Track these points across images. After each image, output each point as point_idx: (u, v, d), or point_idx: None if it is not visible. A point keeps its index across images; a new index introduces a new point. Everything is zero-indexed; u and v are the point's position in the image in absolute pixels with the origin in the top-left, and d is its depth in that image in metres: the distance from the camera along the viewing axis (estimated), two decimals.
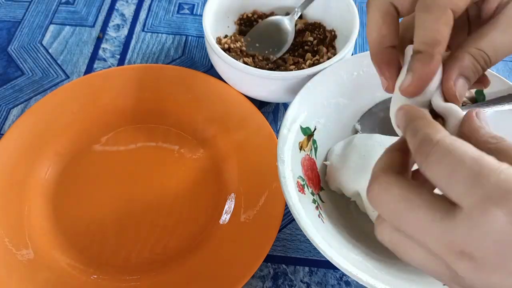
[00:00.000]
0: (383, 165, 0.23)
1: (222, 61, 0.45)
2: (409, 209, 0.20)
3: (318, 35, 0.52)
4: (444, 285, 0.34)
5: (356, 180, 0.39)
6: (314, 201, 0.39)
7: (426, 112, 0.23)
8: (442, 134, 0.20)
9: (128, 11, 0.61)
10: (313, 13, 0.54)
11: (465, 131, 0.23)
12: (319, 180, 0.42)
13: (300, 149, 0.40)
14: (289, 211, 0.35)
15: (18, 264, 0.40)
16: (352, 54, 0.47)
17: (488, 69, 0.26)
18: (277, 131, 0.49)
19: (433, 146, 0.19)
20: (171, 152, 0.48)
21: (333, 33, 0.52)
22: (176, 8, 0.61)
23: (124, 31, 0.58)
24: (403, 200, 0.20)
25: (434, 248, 0.19)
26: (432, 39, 0.24)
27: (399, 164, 0.23)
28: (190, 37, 0.58)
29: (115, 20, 0.59)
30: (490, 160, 0.18)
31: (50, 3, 0.61)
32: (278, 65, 0.49)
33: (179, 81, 0.50)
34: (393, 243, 0.22)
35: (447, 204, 0.19)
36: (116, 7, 0.61)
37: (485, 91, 0.43)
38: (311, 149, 0.42)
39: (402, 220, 0.20)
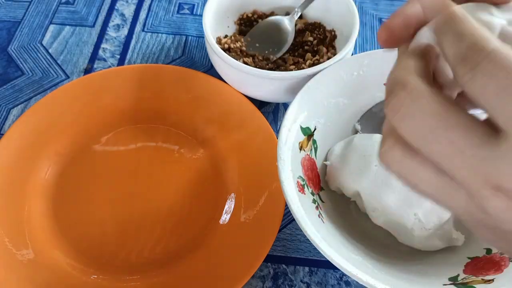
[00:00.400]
0: (411, 68, 0.19)
1: (222, 61, 0.45)
2: (444, 127, 0.17)
3: (318, 35, 0.52)
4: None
5: (356, 180, 0.39)
6: (314, 201, 0.39)
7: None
8: (495, 43, 0.16)
9: (128, 11, 0.61)
10: (313, 13, 0.53)
11: None
12: (319, 180, 0.42)
13: (300, 149, 0.40)
14: (289, 211, 0.35)
15: (18, 264, 0.40)
16: (352, 54, 0.47)
17: None
18: (277, 131, 0.49)
19: (487, 56, 0.16)
20: (171, 152, 0.48)
21: (333, 33, 0.52)
22: (176, 8, 0.61)
23: (124, 31, 0.58)
24: (438, 115, 0.17)
25: (463, 177, 0.17)
26: None
27: (428, 70, 0.19)
28: (190, 37, 0.58)
29: (115, 20, 0.59)
30: None
31: (50, 3, 0.61)
32: (278, 65, 0.49)
33: (179, 81, 0.50)
34: (404, 169, 0.19)
35: (489, 130, 0.16)
36: (116, 7, 0.61)
37: None
38: (311, 149, 0.42)
39: (430, 140, 0.17)
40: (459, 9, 0.19)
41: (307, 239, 0.36)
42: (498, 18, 0.20)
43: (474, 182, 0.16)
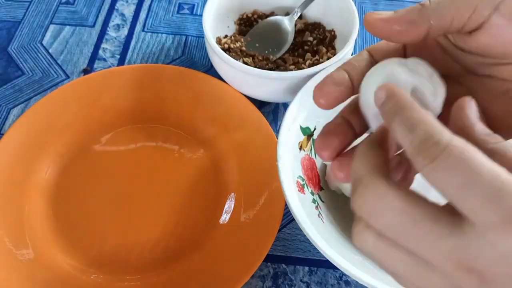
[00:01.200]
0: (368, 166, 0.20)
1: (222, 61, 0.45)
2: (412, 223, 0.18)
3: (318, 35, 0.52)
4: None
5: None
6: (314, 201, 0.39)
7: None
8: (448, 135, 0.18)
9: (128, 11, 0.61)
10: (313, 13, 0.54)
11: (457, 125, 0.21)
12: (319, 180, 0.42)
13: (300, 149, 0.40)
14: (289, 211, 0.35)
15: (18, 264, 0.40)
16: (352, 54, 0.47)
17: None
18: (277, 131, 0.49)
19: (443, 151, 0.17)
20: (171, 152, 0.48)
21: (333, 33, 0.52)
22: (176, 8, 0.61)
23: (124, 31, 0.58)
24: (404, 213, 0.18)
25: (437, 262, 0.18)
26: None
27: (385, 164, 0.20)
28: (190, 37, 0.58)
29: (115, 20, 0.59)
30: (510, 177, 0.17)
31: (50, 3, 0.61)
32: (278, 65, 0.49)
33: (179, 81, 0.50)
34: (378, 253, 0.19)
35: (451, 217, 0.18)
36: (116, 7, 0.61)
37: None
38: (311, 149, 0.42)
39: (403, 235, 0.18)
40: (405, 96, 0.20)
41: (307, 239, 0.36)
42: (411, 78, 0.21)
43: (448, 266, 0.17)
